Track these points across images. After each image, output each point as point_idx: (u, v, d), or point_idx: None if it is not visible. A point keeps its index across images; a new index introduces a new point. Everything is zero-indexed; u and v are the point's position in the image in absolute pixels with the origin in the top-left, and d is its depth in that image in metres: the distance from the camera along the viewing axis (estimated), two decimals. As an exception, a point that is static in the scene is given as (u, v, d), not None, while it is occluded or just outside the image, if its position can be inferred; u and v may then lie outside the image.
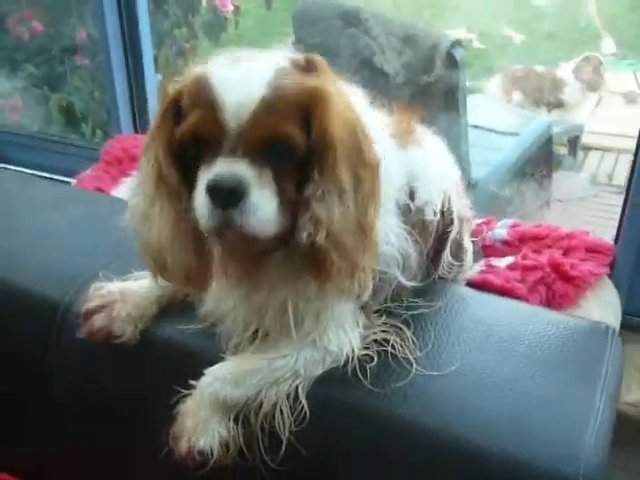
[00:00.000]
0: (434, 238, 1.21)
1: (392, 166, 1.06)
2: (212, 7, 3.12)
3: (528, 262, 1.59)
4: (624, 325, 1.63)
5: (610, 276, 1.69)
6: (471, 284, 1.45)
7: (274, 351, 1.07)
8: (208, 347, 1.14)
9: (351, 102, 1.00)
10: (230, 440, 1.05)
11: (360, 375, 1.06)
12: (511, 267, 1.59)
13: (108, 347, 1.18)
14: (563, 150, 4.13)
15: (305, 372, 1.06)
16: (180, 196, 0.98)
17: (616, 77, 4.75)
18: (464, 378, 1.08)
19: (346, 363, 1.07)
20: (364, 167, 0.97)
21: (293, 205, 0.96)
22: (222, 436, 1.05)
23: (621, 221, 1.78)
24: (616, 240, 1.79)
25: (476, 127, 3.33)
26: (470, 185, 2.59)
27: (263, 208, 0.92)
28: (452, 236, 1.27)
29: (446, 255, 1.28)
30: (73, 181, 2.19)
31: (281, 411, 1.04)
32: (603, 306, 1.60)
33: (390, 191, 1.06)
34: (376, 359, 1.08)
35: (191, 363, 1.12)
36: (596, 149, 4.27)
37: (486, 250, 1.71)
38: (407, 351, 1.10)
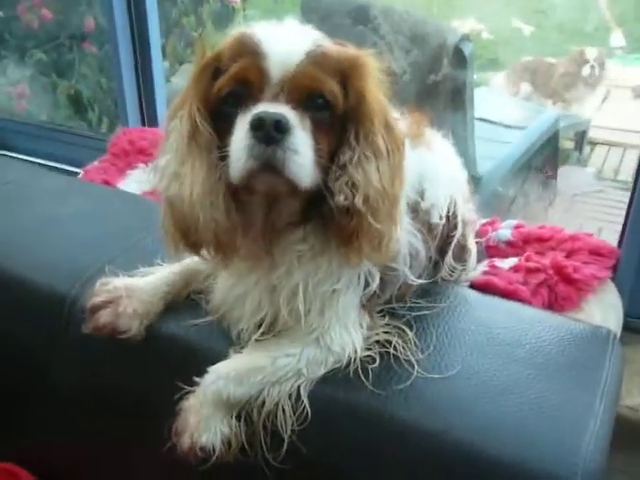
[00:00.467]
0: (438, 241, 1.22)
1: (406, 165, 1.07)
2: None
3: (531, 264, 1.59)
4: (626, 327, 1.64)
5: (613, 278, 1.70)
6: (474, 285, 1.46)
7: (278, 349, 1.08)
8: (212, 344, 1.15)
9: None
10: (232, 437, 1.06)
11: (362, 376, 1.07)
12: (514, 269, 1.59)
13: (113, 342, 1.19)
14: (569, 144, 4.12)
15: (308, 372, 1.07)
16: (213, 149, 0.99)
17: (624, 71, 4.73)
18: (465, 381, 1.09)
19: (348, 364, 1.08)
20: (394, 141, 1.00)
21: (325, 171, 0.97)
22: (224, 433, 1.06)
23: (625, 223, 1.78)
24: (620, 242, 1.79)
25: (483, 120, 3.33)
26: (475, 179, 2.59)
27: (304, 152, 0.93)
28: (455, 240, 1.28)
29: (449, 258, 1.29)
30: (79, 171, 2.20)
31: (283, 410, 1.05)
32: (605, 309, 1.60)
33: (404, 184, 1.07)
34: (378, 360, 1.09)
35: (195, 360, 1.13)
36: (602, 144, 4.26)
37: (490, 250, 1.71)
38: (409, 353, 1.10)
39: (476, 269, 1.52)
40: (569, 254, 1.67)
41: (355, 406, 1.07)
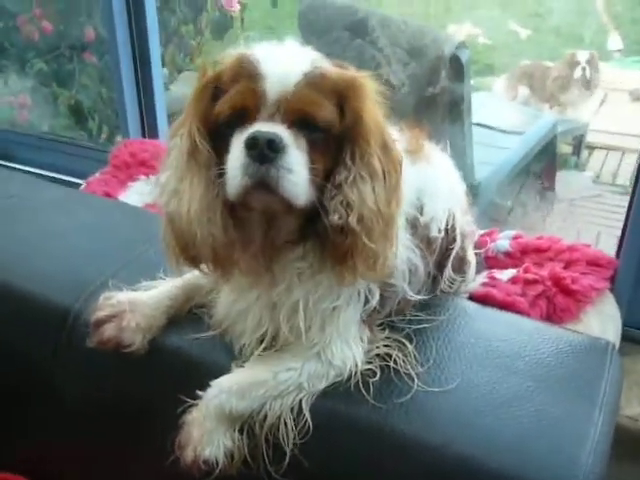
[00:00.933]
0: (437, 254, 1.23)
1: (404, 180, 1.08)
2: (218, 6, 3.13)
3: (529, 276, 1.60)
4: (625, 337, 1.64)
5: (611, 289, 1.70)
6: (473, 297, 1.47)
7: (279, 363, 1.09)
8: (215, 358, 1.16)
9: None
10: (235, 450, 1.07)
11: (363, 390, 1.08)
12: (513, 280, 1.60)
13: (117, 355, 1.19)
14: (567, 149, 4.12)
15: (309, 386, 1.08)
16: (211, 167, 1.01)
17: (622, 74, 4.73)
18: (465, 395, 1.10)
19: (349, 377, 1.09)
20: (391, 162, 1.01)
21: (320, 189, 0.98)
22: (227, 446, 1.07)
23: (623, 233, 1.79)
24: (618, 251, 1.80)
25: (480, 125, 3.33)
26: (473, 187, 2.60)
27: (298, 170, 0.95)
28: (454, 253, 1.29)
29: (448, 270, 1.30)
30: (81, 181, 2.20)
31: (285, 424, 1.06)
32: (604, 320, 1.60)
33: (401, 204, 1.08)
34: (379, 374, 1.10)
35: (198, 374, 1.14)
36: (600, 148, 4.26)
37: (488, 261, 1.72)
38: (409, 366, 1.12)
39: (475, 280, 1.53)
40: (567, 265, 1.68)
41: (356, 419, 1.08)
